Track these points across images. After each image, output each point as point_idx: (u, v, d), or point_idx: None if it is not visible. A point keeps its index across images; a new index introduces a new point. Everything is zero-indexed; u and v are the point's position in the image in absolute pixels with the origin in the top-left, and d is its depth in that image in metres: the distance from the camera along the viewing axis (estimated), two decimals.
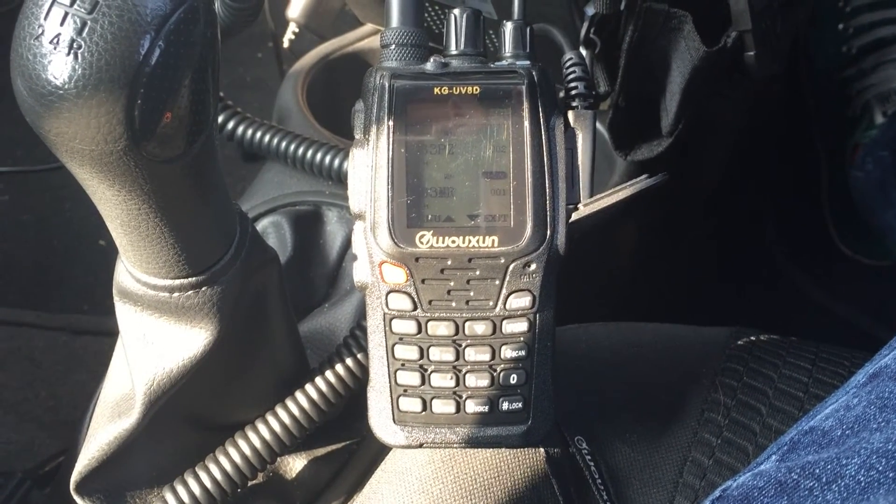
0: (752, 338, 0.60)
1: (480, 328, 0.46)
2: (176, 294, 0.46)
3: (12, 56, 0.37)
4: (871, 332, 0.97)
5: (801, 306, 1.04)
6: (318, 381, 0.54)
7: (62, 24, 0.36)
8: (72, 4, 0.36)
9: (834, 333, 0.99)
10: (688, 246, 0.95)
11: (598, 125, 0.75)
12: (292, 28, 0.97)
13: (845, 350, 0.60)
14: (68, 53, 0.36)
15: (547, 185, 0.45)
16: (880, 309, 0.98)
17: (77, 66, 0.36)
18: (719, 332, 0.61)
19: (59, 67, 0.36)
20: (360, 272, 0.46)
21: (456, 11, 0.48)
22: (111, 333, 0.50)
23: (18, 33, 0.37)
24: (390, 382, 0.48)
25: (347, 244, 0.74)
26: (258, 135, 0.75)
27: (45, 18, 0.36)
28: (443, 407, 0.48)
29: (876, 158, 0.91)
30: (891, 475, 0.33)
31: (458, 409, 0.48)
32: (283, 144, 0.75)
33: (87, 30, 0.36)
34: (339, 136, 0.81)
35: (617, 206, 0.50)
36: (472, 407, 0.48)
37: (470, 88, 0.45)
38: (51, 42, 0.36)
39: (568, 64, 0.51)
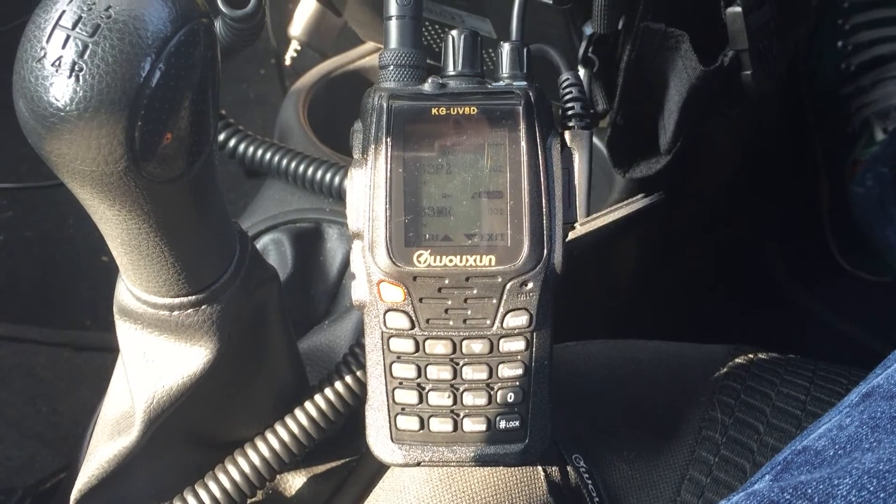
0: (750, 355, 0.60)
1: (478, 347, 0.47)
2: (176, 312, 0.46)
3: (14, 78, 0.38)
4: (872, 348, 0.97)
5: (802, 322, 1.04)
6: (318, 398, 0.54)
7: (64, 46, 0.36)
8: (74, 27, 0.37)
9: (835, 349, 0.99)
10: (687, 262, 0.96)
11: (598, 142, 0.75)
12: (294, 46, 0.97)
13: (843, 368, 0.60)
14: (70, 76, 0.36)
15: (543, 205, 0.45)
16: (881, 325, 0.98)
17: (78, 89, 0.36)
18: (717, 350, 0.61)
19: (60, 90, 0.36)
20: (359, 291, 0.47)
21: (454, 32, 0.48)
22: (113, 349, 0.50)
23: (21, 56, 0.37)
24: (388, 401, 0.48)
25: (348, 261, 0.74)
26: (259, 152, 0.76)
27: (48, 41, 0.37)
28: (440, 425, 0.48)
29: (876, 175, 0.91)
30: (881, 496, 0.33)
31: (455, 428, 0.48)
32: (284, 162, 0.75)
33: (88, 52, 0.36)
34: (339, 153, 0.82)
35: (615, 225, 0.50)
36: (469, 425, 0.48)
37: (467, 109, 0.46)
38: (53, 65, 0.37)
39: (565, 84, 0.51)
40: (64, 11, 0.37)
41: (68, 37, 0.36)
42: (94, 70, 0.36)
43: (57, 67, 0.36)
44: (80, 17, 0.36)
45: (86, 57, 0.36)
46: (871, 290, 1.01)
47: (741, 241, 1.06)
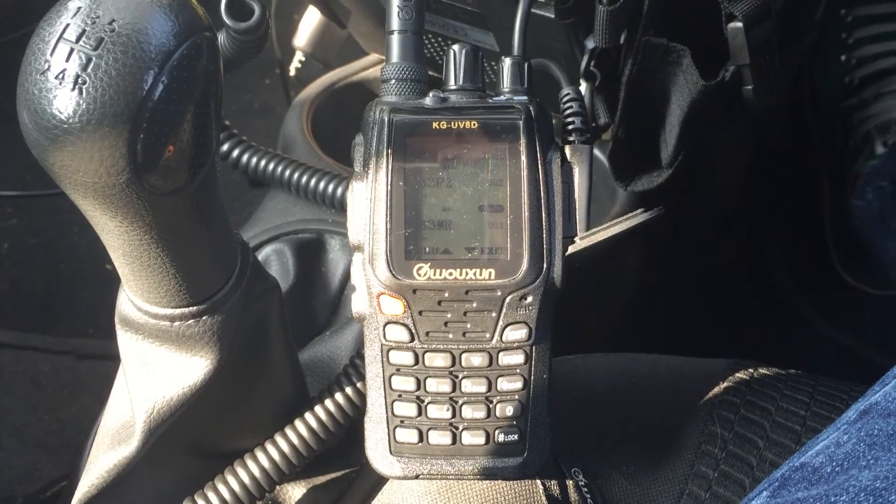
0: (751, 370, 0.60)
1: (477, 360, 0.47)
2: (177, 323, 0.47)
3: (19, 90, 0.38)
4: (875, 362, 0.97)
5: (805, 335, 1.03)
6: (318, 409, 0.54)
7: (68, 59, 0.37)
8: (77, 41, 0.37)
9: (837, 363, 0.99)
10: (689, 276, 0.96)
11: (600, 155, 0.75)
12: (299, 56, 0.98)
13: (843, 383, 0.60)
14: (73, 88, 0.37)
15: (543, 219, 0.46)
16: (883, 338, 0.98)
17: (81, 101, 0.36)
18: (717, 364, 0.61)
19: (63, 102, 0.37)
20: (359, 303, 0.47)
21: (455, 47, 0.49)
22: (116, 358, 0.50)
23: (25, 68, 0.38)
24: (387, 413, 0.48)
25: (349, 272, 0.74)
26: (262, 163, 0.76)
27: (52, 54, 0.37)
28: (439, 438, 0.48)
29: (876, 188, 0.91)
30: None
31: (454, 441, 0.48)
32: (287, 173, 0.75)
33: (91, 65, 0.37)
34: (342, 164, 0.82)
35: (615, 239, 0.50)
36: (468, 438, 0.48)
37: (468, 123, 0.46)
38: (56, 77, 0.37)
39: (565, 99, 0.51)
40: (68, 25, 0.37)
41: (72, 50, 0.37)
42: (97, 83, 0.36)
43: (60, 80, 0.37)
44: (83, 31, 0.37)
45: (89, 70, 0.36)
46: (873, 304, 1.01)
47: (743, 253, 1.06)
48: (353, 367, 0.55)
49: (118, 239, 0.43)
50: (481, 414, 0.48)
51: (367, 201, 0.46)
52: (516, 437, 0.48)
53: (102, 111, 0.36)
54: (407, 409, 0.48)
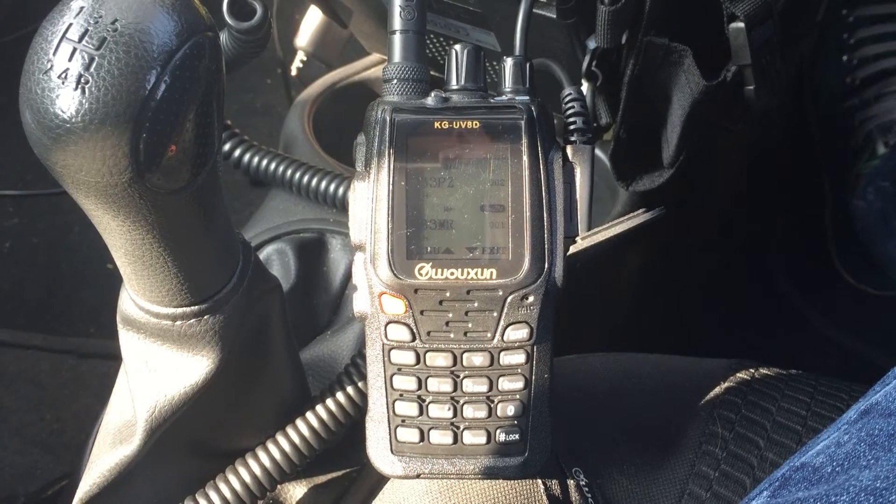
0: (752, 370, 0.60)
1: (478, 360, 0.47)
2: (178, 322, 0.47)
3: (21, 90, 0.38)
4: (875, 362, 0.97)
5: (806, 336, 1.04)
6: (319, 408, 0.54)
7: (70, 59, 0.37)
8: (80, 40, 0.37)
9: (838, 363, 0.99)
10: (691, 275, 0.96)
11: (601, 155, 0.76)
12: (300, 56, 0.98)
13: (844, 383, 0.60)
14: (76, 88, 0.37)
15: (545, 219, 0.46)
16: (884, 339, 0.98)
17: (84, 101, 0.37)
18: (718, 364, 0.61)
19: (66, 102, 0.37)
20: (360, 303, 0.47)
21: (457, 47, 0.49)
22: (117, 357, 0.50)
23: (28, 68, 0.38)
24: (388, 412, 0.48)
25: (351, 272, 0.74)
26: (263, 162, 0.76)
27: (54, 54, 0.37)
28: (440, 438, 0.48)
29: (877, 188, 0.91)
30: None
31: (455, 440, 0.48)
32: (288, 172, 0.75)
33: (94, 65, 0.37)
34: (344, 164, 0.82)
35: (617, 238, 0.51)
36: (469, 438, 0.48)
37: (470, 123, 0.46)
38: (59, 77, 0.37)
39: (567, 99, 0.51)
40: (71, 24, 0.37)
41: (75, 49, 0.37)
42: (99, 82, 0.37)
43: (63, 79, 0.37)
44: (86, 30, 0.37)
45: (92, 69, 0.37)
46: (874, 304, 1.01)
47: (745, 253, 1.06)
48: (354, 367, 0.55)
49: (120, 238, 0.43)
50: (482, 413, 0.48)
51: (369, 201, 0.46)
52: (517, 436, 0.48)
53: (105, 111, 0.37)
54: (408, 408, 0.48)
